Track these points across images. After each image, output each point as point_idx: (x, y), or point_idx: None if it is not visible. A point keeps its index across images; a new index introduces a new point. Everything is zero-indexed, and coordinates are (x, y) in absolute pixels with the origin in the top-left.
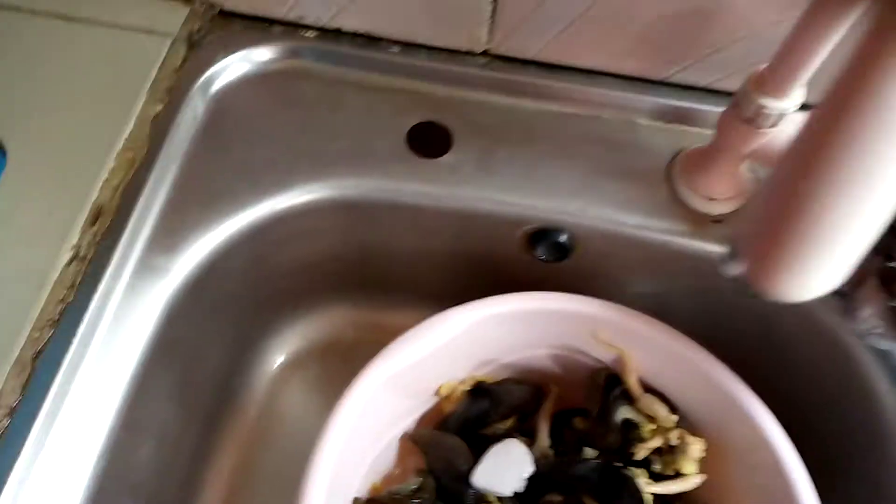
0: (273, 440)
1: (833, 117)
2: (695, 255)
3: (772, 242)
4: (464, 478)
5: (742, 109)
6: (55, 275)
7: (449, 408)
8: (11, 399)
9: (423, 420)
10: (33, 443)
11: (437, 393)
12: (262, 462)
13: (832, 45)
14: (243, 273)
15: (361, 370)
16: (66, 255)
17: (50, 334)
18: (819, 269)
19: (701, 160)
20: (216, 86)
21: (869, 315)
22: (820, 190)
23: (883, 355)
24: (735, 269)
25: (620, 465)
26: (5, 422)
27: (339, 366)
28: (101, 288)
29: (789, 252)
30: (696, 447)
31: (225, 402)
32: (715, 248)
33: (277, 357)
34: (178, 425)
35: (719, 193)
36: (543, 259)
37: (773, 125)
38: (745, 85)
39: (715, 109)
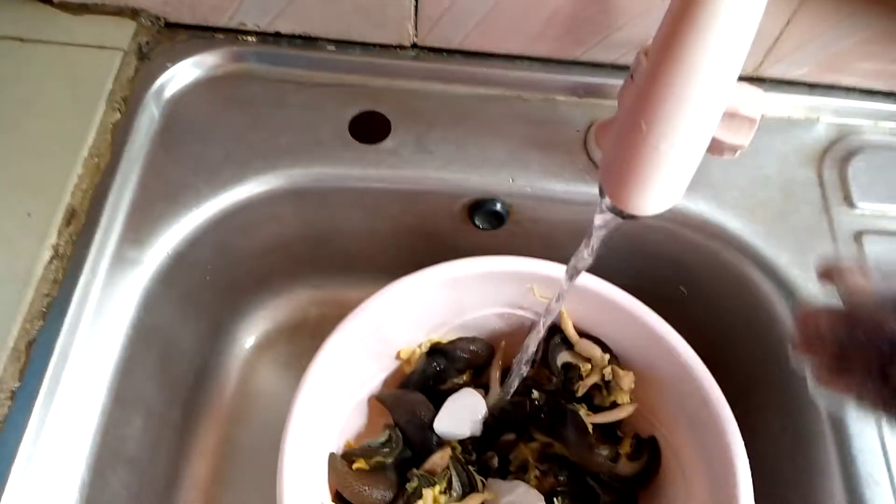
0: (250, 416)
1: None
2: None
3: (620, 166)
4: (427, 427)
5: (635, 79)
6: (39, 272)
7: (409, 369)
8: (12, 384)
9: (388, 382)
10: (35, 421)
11: (397, 357)
12: (241, 436)
13: None
14: (210, 261)
15: (326, 338)
16: (47, 254)
17: (40, 325)
18: (654, 186)
19: (610, 129)
20: (168, 92)
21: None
22: (653, 122)
23: (780, 283)
24: (604, 197)
25: (564, 402)
26: (7, 404)
27: (306, 344)
28: (81, 282)
29: (633, 172)
30: (626, 379)
31: (203, 382)
32: None
33: (248, 339)
34: (163, 403)
35: None
36: (483, 227)
37: None
38: (637, 56)
39: (621, 83)
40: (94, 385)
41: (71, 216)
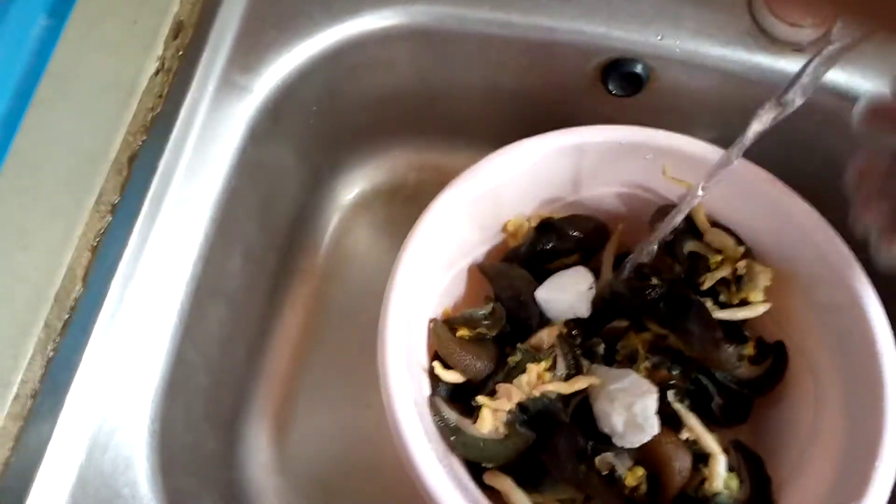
0: (343, 274)
1: None
2: (774, 86)
3: None
4: (530, 305)
5: None
6: (143, 84)
7: (515, 243)
8: (113, 197)
9: (491, 254)
10: (136, 239)
11: (504, 229)
12: (333, 293)
13: None
14: (317, 101)
15: (436, 196)
16: (153, 66)
17: (143, 140)
18: None
19: None
20: None
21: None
22: None
23: None
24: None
25: (688, 292)
26: (108, 218)
27: (403, 208)
28: (188, 100)
29: None
30: (763, 276)
31: (300, 231)
32: None
33: (346, 194)
34: (261, 245)
35: (804, 19)
36: (616, 93)
37: None
38: None
39: None
40: (197, 209)
41: (178, 29)
